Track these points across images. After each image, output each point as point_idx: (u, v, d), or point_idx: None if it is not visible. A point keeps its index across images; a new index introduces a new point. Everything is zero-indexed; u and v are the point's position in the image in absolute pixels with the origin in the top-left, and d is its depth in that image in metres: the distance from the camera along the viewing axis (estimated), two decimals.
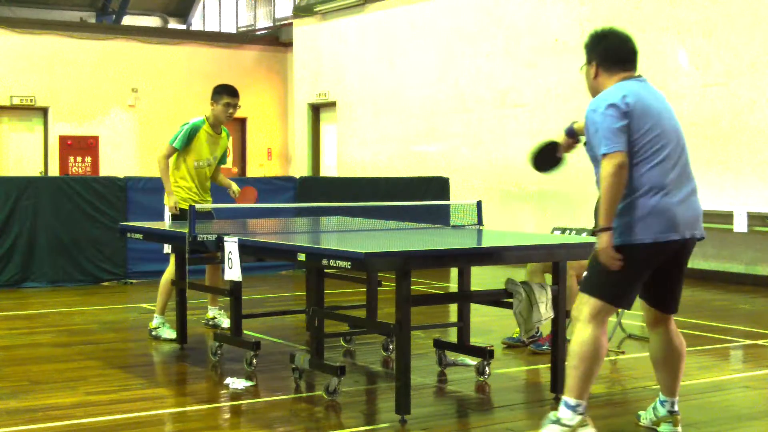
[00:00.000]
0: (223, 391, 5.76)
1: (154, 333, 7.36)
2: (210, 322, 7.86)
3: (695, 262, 11.46)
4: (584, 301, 4.49)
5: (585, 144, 4.61)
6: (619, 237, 4.37)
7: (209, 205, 7.40)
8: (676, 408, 4.74)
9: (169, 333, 7.28)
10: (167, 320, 7.40)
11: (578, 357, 4.38)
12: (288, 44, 20.16)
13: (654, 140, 4.39)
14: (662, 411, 4.77)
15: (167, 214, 7.54)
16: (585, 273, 4.60)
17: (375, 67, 17.14)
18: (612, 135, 4.32)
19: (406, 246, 5.56)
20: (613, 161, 4.28)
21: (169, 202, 7.47)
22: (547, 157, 5.10)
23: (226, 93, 7.59)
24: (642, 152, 4.37)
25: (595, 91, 4.62)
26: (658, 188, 4.37)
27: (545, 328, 6.35)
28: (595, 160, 4.47)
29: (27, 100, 18.49)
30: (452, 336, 6.93)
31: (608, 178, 4.28)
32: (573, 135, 5.05)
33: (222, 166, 7.83)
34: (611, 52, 4.61)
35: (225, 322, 7.71)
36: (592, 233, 4.57)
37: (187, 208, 7.40)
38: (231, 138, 7.78)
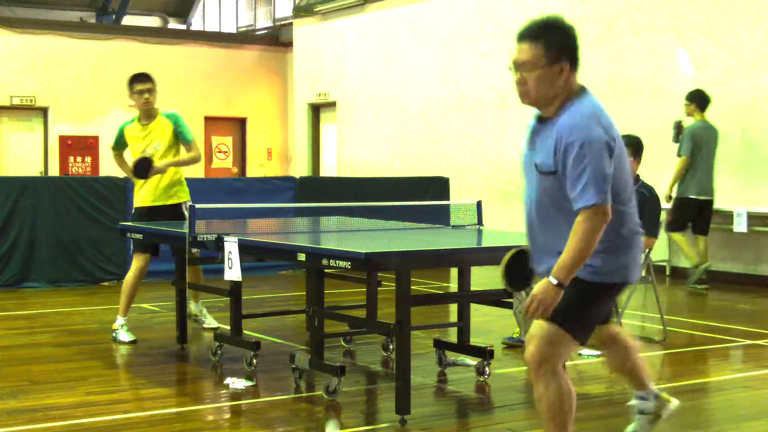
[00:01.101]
0: (223, 391, 5.76)
1: (113, 334, 7.35)
2: (192, 318, 7.74)
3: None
4: (552, 340, 3.80)
5: (534, 163, 3.88)
6: (611, 275, 3.85)
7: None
8: (656, 391, 4.41)
9: (126, 336, 7.28)
10: (128, 322, 7.40)
11: (555, 411, 3.81)
12: (288, 44, 20.16)
13: (626, 177, 3.87)
14: (649, 404, 4.41)
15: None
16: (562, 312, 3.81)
17: (375, 67, 17.14)
18: (604, 183, 3.66)
19: (406, 246, 5.56)
20: (600, 216, 3.66)
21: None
22: (521, 271, 4.06)
23: (135, 81, 7.49)
24: (621, 192, 3.82)
25: (547, 99, 3.84)
26: (638, 227, 3.95)
27: None
28: (545, 187, 3.83)
29: (27, 100, 18.49)
30: (452, 336, 6.92)
31: (591, 234, 3.65)
32: None
33: (186, 144, 7.48)
34: (577, 51, 3.83)
35: (207, 321, 7.76)
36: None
37: (143, 206, 7.45)
38: (175, 120, 7.51)
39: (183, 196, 7.54)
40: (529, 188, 4.01)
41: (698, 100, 10.56)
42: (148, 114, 7.47)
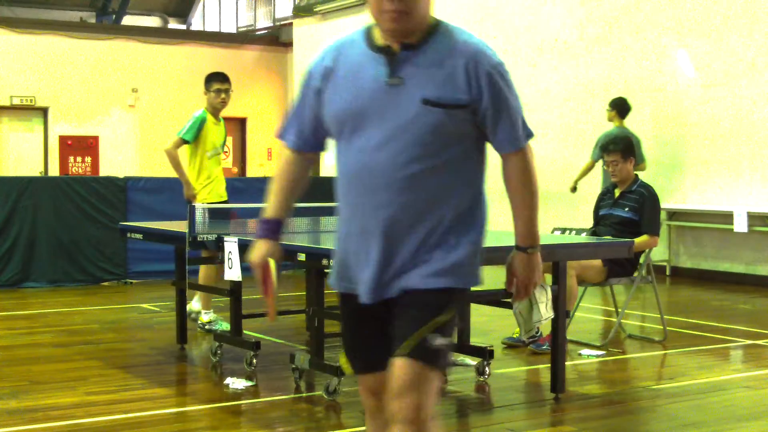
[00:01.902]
0: (223, 391, 5.76)
1: (207, 327, 7.49)
2: (205, 327, 7.62)
3: (695, 262, 11.46)
4: (436, 389, 2.82)
5: (422, 98, 2.82)
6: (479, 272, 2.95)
7: (230, 206, 7.61)
8: None
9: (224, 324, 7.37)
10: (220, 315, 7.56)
11: None
12: (288, 44, 20.17)
13: None
14: None
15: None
16: (438, 340, 2.78)
17: None
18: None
19: None
20: (532, 150, 2.95)
21: (187, 191, 7.66)
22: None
23: (215, 80, 7.76)
24: None
25: (422, 23, 3.04)
26: None
27: (545, 328, 6.35)
28: (441, 126, 2.80)
29: (27, 100, 18.49)
30: None
31: (536, 173, 2.92)
32: (278, 233, 3.04)
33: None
34: None
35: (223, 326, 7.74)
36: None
37: (213, 201, 7.59)
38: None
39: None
40: (378, 136, 2.85)
41: (619, 107, 11.11)
42: (218, 113, 7.80)
